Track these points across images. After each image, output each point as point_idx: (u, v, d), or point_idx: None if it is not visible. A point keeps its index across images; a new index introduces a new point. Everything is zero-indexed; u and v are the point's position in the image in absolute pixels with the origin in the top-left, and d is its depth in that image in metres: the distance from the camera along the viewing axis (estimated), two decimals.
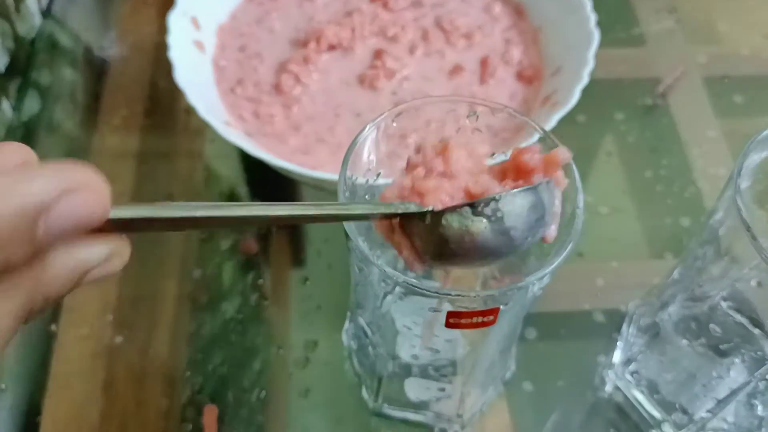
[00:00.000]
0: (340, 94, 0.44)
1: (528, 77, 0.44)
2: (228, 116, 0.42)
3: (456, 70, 0.45)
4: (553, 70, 0.44)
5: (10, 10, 0.48)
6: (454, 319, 0.25)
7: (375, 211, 0.24)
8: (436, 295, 0.24)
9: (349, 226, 0.26)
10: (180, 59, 0.41)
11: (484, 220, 0.23)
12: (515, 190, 0.24)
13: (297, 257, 0.42)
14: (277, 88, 0.44)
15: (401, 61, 0.45)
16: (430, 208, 0.24)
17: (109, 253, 0.20)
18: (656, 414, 0.36)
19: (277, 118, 0.43)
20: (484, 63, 0.45)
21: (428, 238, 0.24)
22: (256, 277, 0.41)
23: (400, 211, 0.24)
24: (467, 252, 0.24)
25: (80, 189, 0.18)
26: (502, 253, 0.24)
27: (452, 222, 0.24)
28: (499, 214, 0.23)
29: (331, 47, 0.46)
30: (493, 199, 0.23)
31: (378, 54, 0.45)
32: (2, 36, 0.47)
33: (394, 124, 0.29)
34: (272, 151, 0.40)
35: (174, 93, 0.49)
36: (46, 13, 0.53)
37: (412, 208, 0.24)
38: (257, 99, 0.44)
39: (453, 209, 0.24)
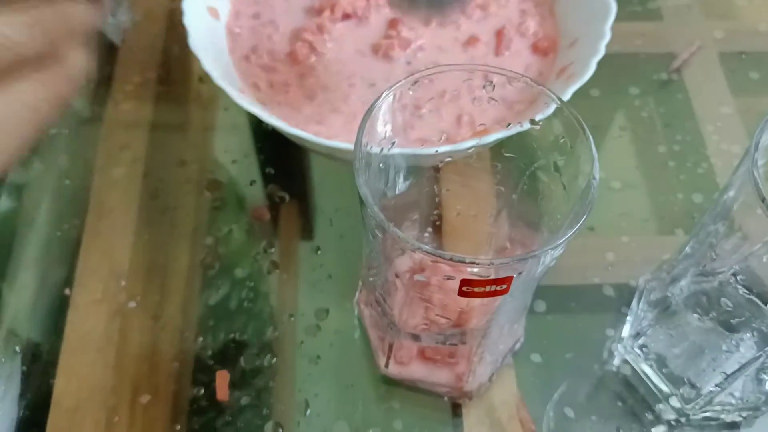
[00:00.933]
0: (354, 64, 0.44)
1: (543, 49, 0.44)
2: (242, 84, 0.42)
3: (471, 41, 0.44)
4: (569, 41, 0.43)
5: None
6: (467, 287, 0.26)
7: None
8: (450, 261, 0.24)
9: (365, 193, 0.26)
10: (194, 26, 0.41)
11: None
12: None
13: (308, 226, 0.42)
14: (292, 56, 0.44)
15: (416, 31, 0.45)
16: None
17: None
18: (664, 388, 0.36)
19: (292, 87, 0.43)
20: (499, 34, 0.45)
21: None
22: (268, 246, 0.41)
23: None
24: None
25: None
26: None
27: None
28: None
29: (346, 16, 0.45)
30: None
31: (393, 23, 0.45)
32: None
33: (410, 93, 0.29)
34: (286, 120, 0.40)
35: (187, 61, 0.49)
36: None
37: None
38: (271, 67, 0.43)
39: None
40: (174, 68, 0.49)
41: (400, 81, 0.29)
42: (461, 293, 0.26)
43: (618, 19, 0.42)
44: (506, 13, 0.46)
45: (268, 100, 0.42)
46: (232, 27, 0.45)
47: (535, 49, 0.44)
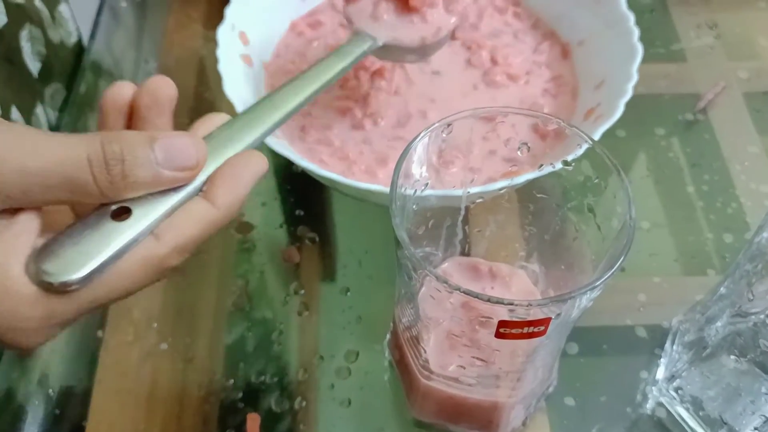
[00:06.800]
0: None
1: (542, 134, 0.43)
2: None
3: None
4: (595, 83, 0.44)
5: (42, 15, 0.49)
6: (504, 329, 0.25)
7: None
8: (488, 303, 0.24)
9: (401, 235, 0.26)
10: (228, 73, 0.41)
11: None
12: None
13: (337, 267, 0.42)
14: (354, 126, 0.44)
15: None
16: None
17: None
18: (700, 431, 0.36)
19: (358, 155, 0.42)
20: None
21: None
22: (298, 287, 0.41)
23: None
24: None
25: None
26: None
27: None
28: None
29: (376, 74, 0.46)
30: None
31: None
32: (32, 40, 0.47)
33: (444, 135, 0.30)
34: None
35: (217, 105, 0.50)
36: (94, 29, 0.54)
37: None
38: (328, 141, 0.43)
39: None
40: (205, 113, 0.49)
41: (434, 124, 0.29)
42: (498, 335, 0.26)
43: (642, 60, 0.43)
44: (530, 89, 0.46)
45: (340, 172, 0.41)
46: None
47: (536, 129, 0.43)
